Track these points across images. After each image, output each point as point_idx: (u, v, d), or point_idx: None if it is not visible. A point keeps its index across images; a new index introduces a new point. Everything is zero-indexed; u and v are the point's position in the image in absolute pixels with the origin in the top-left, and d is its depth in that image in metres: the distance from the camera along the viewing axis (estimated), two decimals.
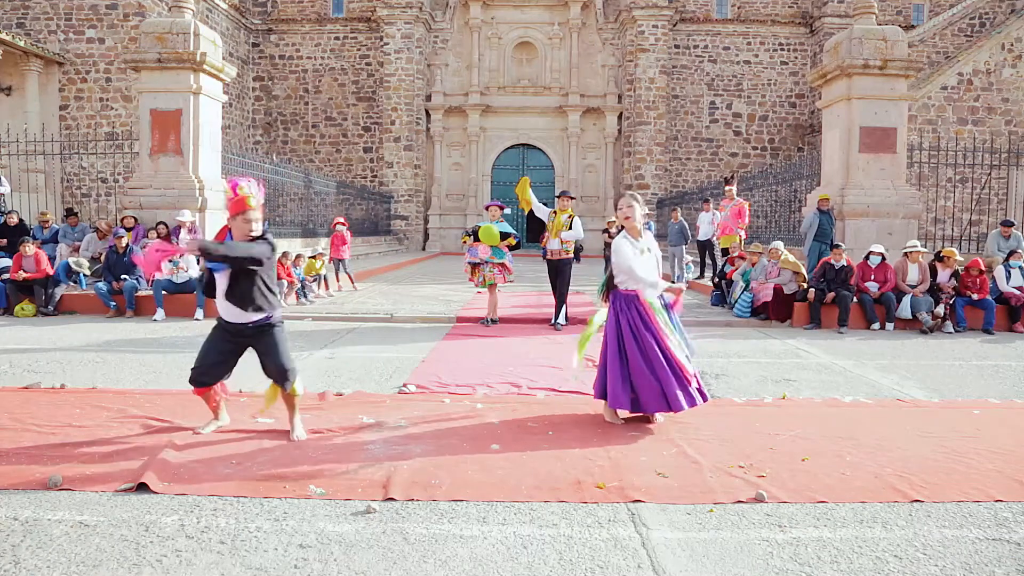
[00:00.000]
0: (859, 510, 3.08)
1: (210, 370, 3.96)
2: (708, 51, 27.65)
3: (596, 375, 4.54)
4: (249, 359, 4.00)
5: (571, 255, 8.60)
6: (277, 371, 3.92)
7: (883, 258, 9.20)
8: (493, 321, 8.64)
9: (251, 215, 3.79)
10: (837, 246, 9.21)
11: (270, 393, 4.06)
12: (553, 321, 8.66)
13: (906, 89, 11.26)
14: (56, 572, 2.46)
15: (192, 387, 4.02)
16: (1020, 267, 9.17)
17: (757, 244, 10.77)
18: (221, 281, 3.82)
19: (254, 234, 3.81)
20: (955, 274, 9.10)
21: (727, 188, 12.02)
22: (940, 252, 9.33)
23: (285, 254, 10.48)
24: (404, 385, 5.38)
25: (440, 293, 11.88)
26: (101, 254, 10.23)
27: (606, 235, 14.24)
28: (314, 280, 11.00)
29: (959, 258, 9.05)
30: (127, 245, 9.54)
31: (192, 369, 3.99)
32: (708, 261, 14.10)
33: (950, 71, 20.15)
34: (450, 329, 8.38)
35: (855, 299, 8.94)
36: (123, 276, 9.33)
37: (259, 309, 3.83)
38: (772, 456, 3.76)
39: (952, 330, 8.66)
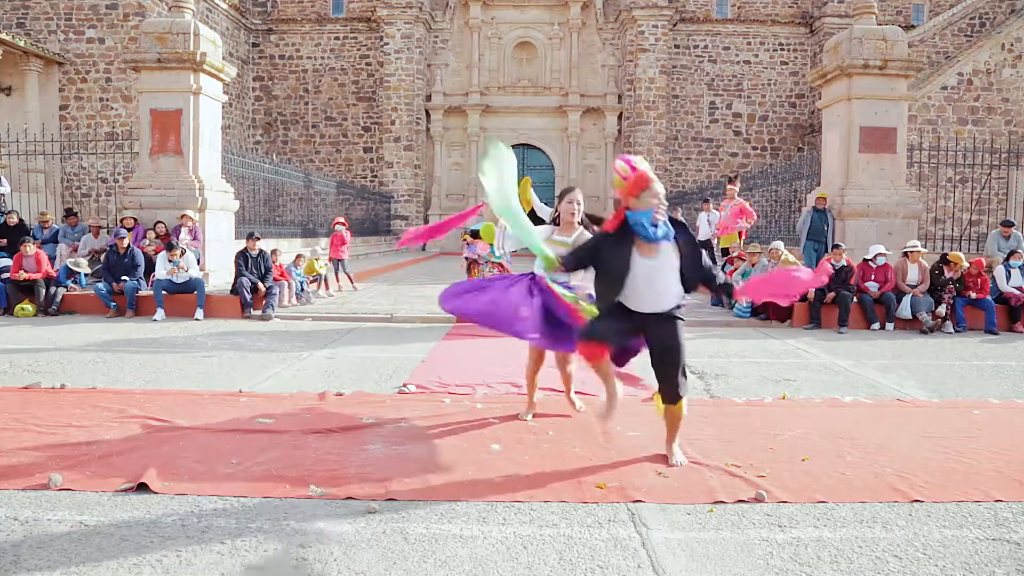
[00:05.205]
0: (859, 510, 3.08)
1: None
2: (708, 51, 27.64)
3: None
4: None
5: None
6: None
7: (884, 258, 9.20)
8: None
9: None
10: (837, 246, 9.20)
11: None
12: None
13: (906, 89, 11.25)
14: (56, 572, 2.46)
15: None
16: (1020, 267, 9.17)
17: (756, 244, 10.77)
18: None
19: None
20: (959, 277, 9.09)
21: (729, 187, 11.97)
22: (946, 255, 9.30)
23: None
24: (404, 385, 5.38)
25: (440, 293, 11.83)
26: (100, 252, 10.23)
27: None
28: (314, 280, 10.99)
29: (965, 264, 9.01)
30: (128, 246, 9.54)
31: None
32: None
33: (950, 71, 20.15)
34: (450, 329, 8.38)
35: (855, 299, 8.93)
36: (123, 277, 9.33)
37: None
38: (772, 456, 3.75)
39: (952, 330, 8.66)
